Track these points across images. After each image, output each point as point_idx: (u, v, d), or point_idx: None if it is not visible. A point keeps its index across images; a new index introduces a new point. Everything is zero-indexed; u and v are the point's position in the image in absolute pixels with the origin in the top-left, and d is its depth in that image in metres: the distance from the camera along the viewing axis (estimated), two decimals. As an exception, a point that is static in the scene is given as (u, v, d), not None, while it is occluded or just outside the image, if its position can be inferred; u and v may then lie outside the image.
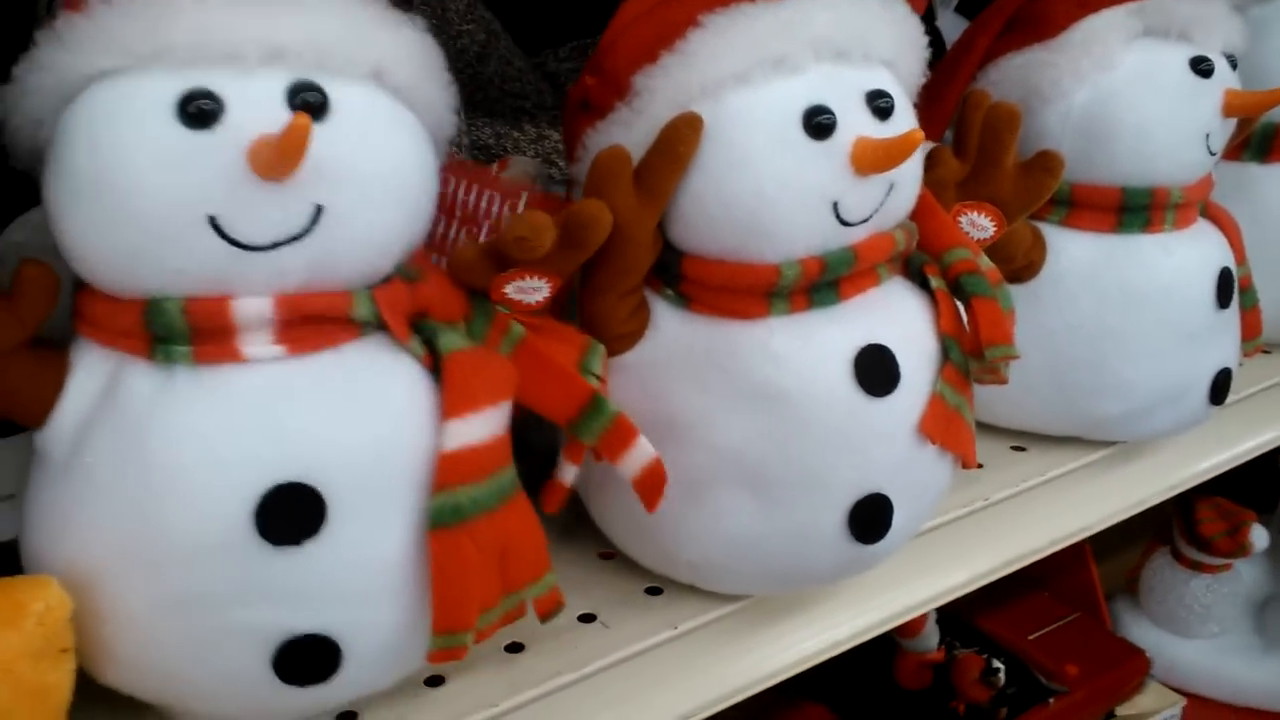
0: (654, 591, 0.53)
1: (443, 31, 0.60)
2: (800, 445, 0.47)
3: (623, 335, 0.48)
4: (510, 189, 0.49)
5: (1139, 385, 0.63)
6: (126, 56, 0.35)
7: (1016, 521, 0.63)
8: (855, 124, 0.45)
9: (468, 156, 0.60)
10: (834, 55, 0.45)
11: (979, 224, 0.54)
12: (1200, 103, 0.60)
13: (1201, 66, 0.60)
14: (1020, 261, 0.62)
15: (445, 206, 0.49)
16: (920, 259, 0.51)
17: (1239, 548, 1.17)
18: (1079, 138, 0.61)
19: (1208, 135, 0.61)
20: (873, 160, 0.44)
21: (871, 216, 0.47)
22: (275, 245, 0.36)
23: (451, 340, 0.41)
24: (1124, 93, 0.60)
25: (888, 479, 0.48)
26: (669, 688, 0.50)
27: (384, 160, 0.38)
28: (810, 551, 0.48)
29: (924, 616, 1.09)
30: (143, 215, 0.35)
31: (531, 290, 0.44)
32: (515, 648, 0.49)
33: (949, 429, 0.49)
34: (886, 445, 0.48)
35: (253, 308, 0.37)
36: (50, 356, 0.39)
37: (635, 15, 0.47)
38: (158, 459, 0.36)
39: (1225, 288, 0.63)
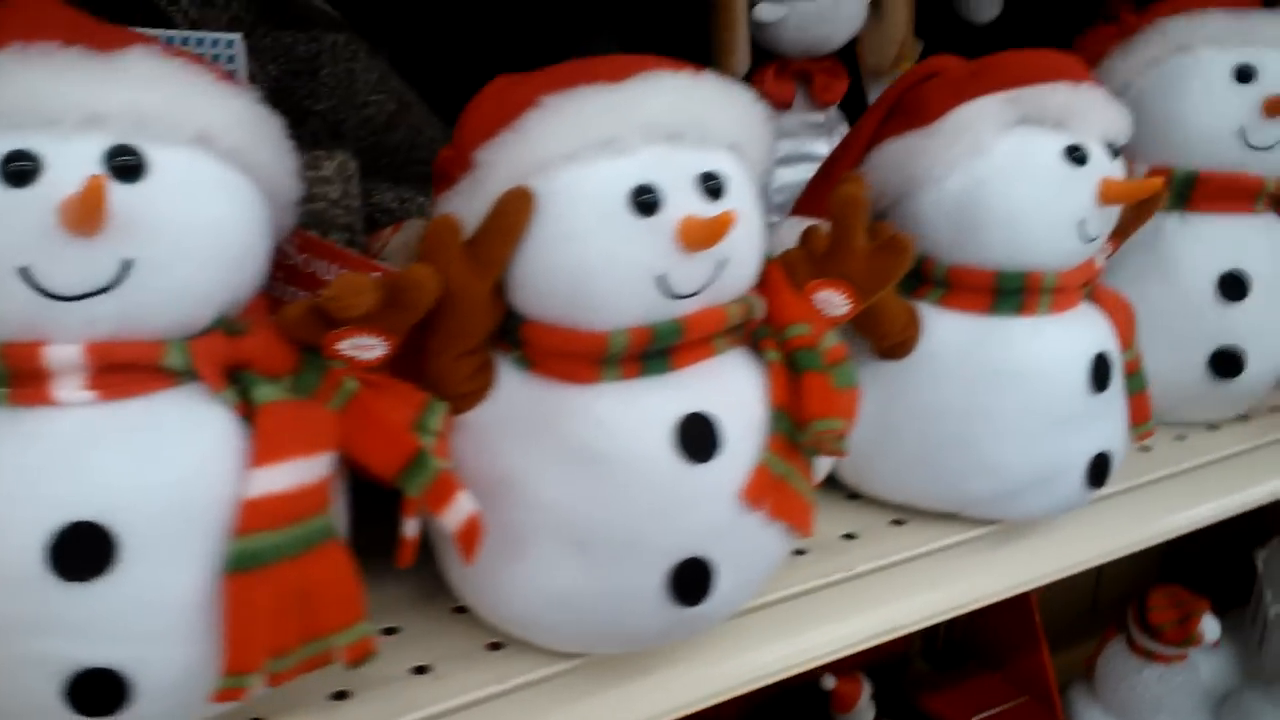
0: (495, 647, 0.54)
1: (349, 102, 0.64)
2: (620, 508, 0.48)
3: (464, 395, 0.50)
4: (345, 256, 0.52)
5: (1007, 466, 0.64)
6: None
7: (883, 593, 0.64)
8: (684, 203, 0.47)
9: (365, 218, 0.63)
10: (666, 138, 0.48)
11: (833, 301, 0.56)
12: (1073, 190, 0.62)
13: (1075, 155, 0.62)
14: (894, 339, 0.64)
15: (296, 278, 0.52)
16: (761, 333, 0.53)
17: (1188, 637, 1.17)
18: (953, 222, 0.63)
19: (1081, 222, 0.62)
20: (697, 238, 0.47)
21: (702, 290, 0.49)
22: (84, 296, 0.39)
23: (266, 393, 0.43)
24: (995, 180, 0.61)
25: (709, 543, 0.50)
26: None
27: (199, 219, 0.41)
28: (632, 611, 0.50)
29: (856, 689, 1.10)
30: None
31: (366, 348, 0.46)
32: (341, 695, 0.50)
33: (774, 497, 0.51)
34: (707, 510, 0.49)
35: (63, 354, 0.39)
36: None
37: (492, 93, 0.50)
38: None
39: (1101, 372, 0.64)
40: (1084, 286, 0.67)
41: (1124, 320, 0.68)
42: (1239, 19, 0.78)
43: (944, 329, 0.64)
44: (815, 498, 0.54)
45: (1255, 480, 0.81)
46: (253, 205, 0.44)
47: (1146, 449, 0.81)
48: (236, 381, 0.44)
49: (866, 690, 1.10)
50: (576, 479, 0.48)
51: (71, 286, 0.39)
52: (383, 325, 0.46)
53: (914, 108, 0.64)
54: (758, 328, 0.54)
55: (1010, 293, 0.63)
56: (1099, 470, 0.66)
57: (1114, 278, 0.80)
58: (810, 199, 0.69)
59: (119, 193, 0.38)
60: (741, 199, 0.50)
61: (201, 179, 0.42)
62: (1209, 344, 0.79)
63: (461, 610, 0.56)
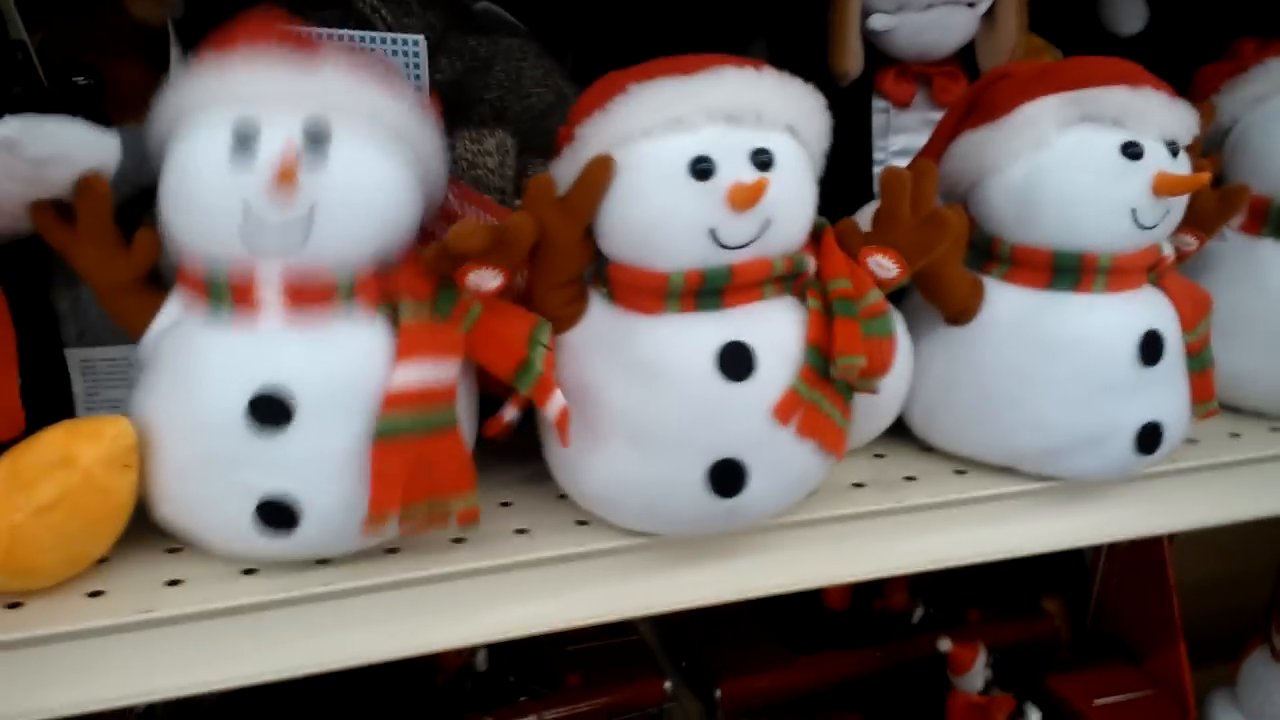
0: (582, 523, 0.68)
1: (514, 92, 0.79)
2: (670, 413, 0.61)
3: (560, 318, 0.64)
4: (493, 206, 0.67)
5: (1055, 425, 0.71)
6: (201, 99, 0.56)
7: (927, 528, 0.73)
8: (735, 171, 0.59)
9: (519, 186, 0.79)
10: (726, 119, 0.60)
11: (883, 265, 0.66)
12: (1127, 181, 0.69)
13: (1130, 150, 0.69)
14: (957, 307, 0.73)
15: (451, 217, 0.68)
16: (810, 285, 0.64)
17: (1325, 653, 1.15)
18: (1017, 205, 0.71)
19: (1134, 210, 0.69)
20: (741, 199, 0.59)
21: (750, 243, 0.61)
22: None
23: (408, 313, 0.59)
24: (1054, 168, 0.70)
25: (744, 449, 0.61)
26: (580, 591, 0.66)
27: (368, 181, 0.57)
28: (678, 498, 0.62)
29: (972, 653, 1.17)
30: (202, 209, 0.56)
31: (488, 279, 0.61)
32: (459, 540, 0.66)
33: (803, 417, 0.62)
34: (743, 421, 0.61)
35: (269, 279, 0.57)
36: (154, 294, 0.61)
37: (599, 83, 0.63)
38: (196, 366, 0.57)
39: (1151, 347, 0.70)
40: (1148, 271, 0.73)
41: (1189, 306, 0.74)
42: None
43: (1005, 300, 0.73)
44: (847, 425, 0.65)
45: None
46: (406, 176, 0.59)
47: (1236, 435, 0.85)
48: (389, 303, 0.59)
49: (982, 656, 1.16)
50: (639, 389, 0.62)
51: (276, 224, 0.56)
52: (498, 261, 0.60)
53: (987, 105, 0.73)
54: (809, 280, 0.65)
55: (1066, 270, 0.71)
56: (1149, 438, 0.72)
57: (1208, 279, 0.85)
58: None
59: (307, 158, 0.55)
60: (789, 171, 0.62)
61: (369, 154, 0.57)
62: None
63: (564, 497, 0.70)
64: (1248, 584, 1.38)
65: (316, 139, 0.56)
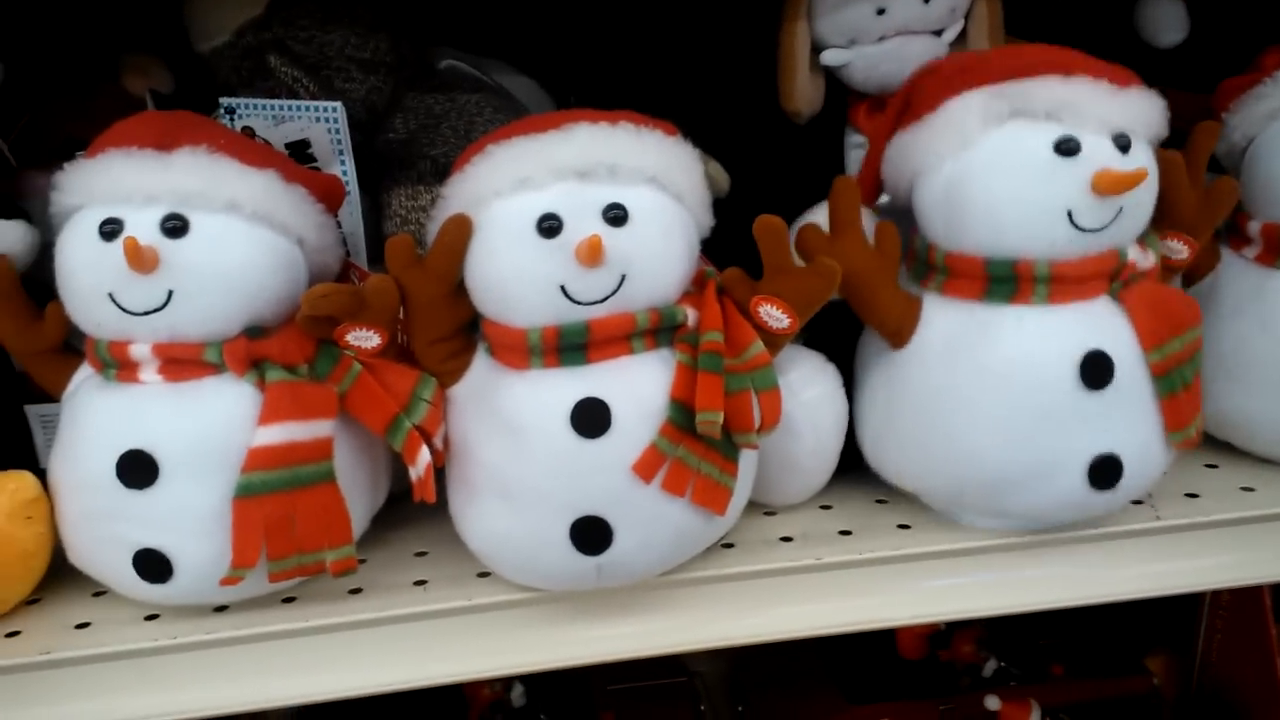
0: (484, 575, 0.69)
1: (459, 149, 0.81)
2: (531, 469, 0.61)
3: (441, 373, 0.65)
4: (364, 276, 0.70)
5: (990, 457, 0.65)
6: (79, 197, 0.61)
7: (852, 587, 0.69)
8: (585, 228, 0.59)
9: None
10: (576, 176, 0.60)
11: (774, 315, 0.64)
12: (1060, 181, 0.62)
13: (1065, 146, 0.62)
14: (888, 330, 0.69)
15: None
16: (685, 338, 0.63)
17: None
18: (944, 210, 0.66)
19: (1071, 212, 0.63)
20: (586, 256, 0.58)
21: (608, 298, 0.60)
22: (147, 313, 0.60)
23: (274, 375, 0.62)
24: (978, 170, 0.64)
25: (606, 506, 0.61)
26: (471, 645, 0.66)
27: (224, 264, 0.60)
28: (546, 554, 0.62)
29: (1024, 713, 1.10)
30: (78, 294, 0.61)
31: (365, 338, 0.63)
32: (355, 590, 0.68)
33: (668, 474, 0.60)
34: (601, 478, 0.60)
35: (140, 351, 0.61)
36: (69, 360, 0.67)
37: (474, 145, 0.65)
38: (82, 427, 0.62)
39: (1095, 370, 0.63)
40: (1107, 280, 0.65)
41: (1155, 321, 0.65)
42: None
43: (940, 318, 0.67)
44: (728, 480, 0.63)
45: None
46: (272, 252, 0.63)
47: (1250, 489, 0.76)
48: (256, 368, 0.62)
49: (1035, 715, 1.09)
50: (503, 444, 0.62)
51: (139, 306, 0.60)
52: (370, 321, 0.62)
53: (915, 102, 0.68)
54: (687, 333, 0.63)
55: (1000, 280, 0.65)
56: (1105, 473, 0.65)
57: (1217, 311, 0.77)
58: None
59: (167, 246, 0.59)
60: (649, 225, 0.61)
61: (228, 238, 0.61)
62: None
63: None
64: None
65: (174, 230, 0.60)
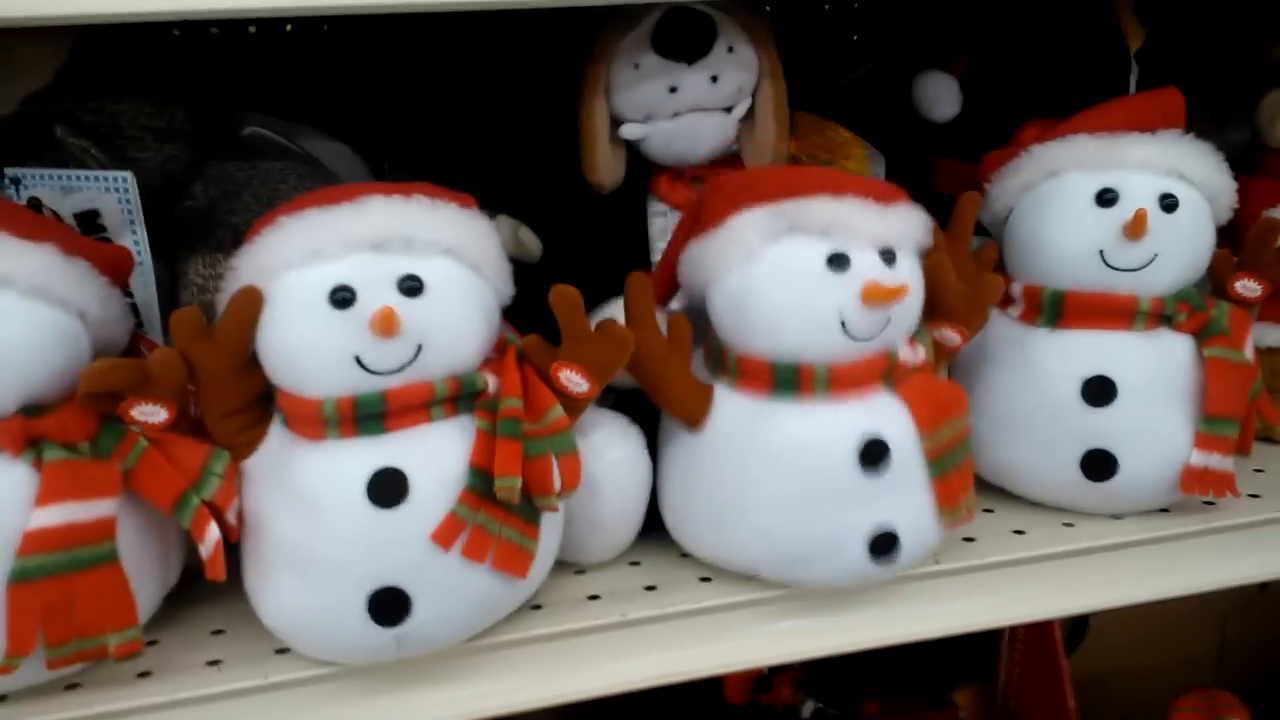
0: (282, 651, 0.67)
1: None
2: (323, 542, 0.61)
3: (234, 446, 0.64)
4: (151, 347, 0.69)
5: (779, 532, 0.70)
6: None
7: (684, 637, 0.71)
8: (379, 299, 0.60)
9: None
10: (370, 247, 0.61)
11: (574, 380, 0.66)
12: (832, 292, 0.67)
13: (836, 261, 0.67)
14: (681, 415, 0.72)
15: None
16: (485, 404, 0.64)
17: (1210, 744, 1.10)
18: (732, 317, 0.70)
19: (844, 321, 0.67)
20: (380, 327, 0.59)
21: (404, 368, 0.61)
22: None
23: (51, 455, 0.59)
24: (760, 282, 0.68)
25: (404, 577, 0.61)
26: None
27: None
28: (343, 628, 0.61)
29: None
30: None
31: (151, 413, 0.61)
32: (145, 674, 0.65)
33: (469, 541, 0.61)
34: (399, 548, 0.61)
35: None
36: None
37: (267, 216, 0.64)
38: None
39: (872, 454, 0.68)
40: (880, 376, 0.70)
41: (929, 409, 0.71)
42: (1105, 143, 0.80)
43: (730, 407, 0.72)
44: (531, 544, 0.64)
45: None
46: (50, 327, 0.61)
47: (1021, 533, 0.82)
48: (35, 446, 0.60)
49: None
50: (297, 517, 0.61)
51: None
52: (154, 395, 0.61)
53: (705, 215, 0.72)
54: (488, 400, 0.64)
55: (784, 380, 0.69)
56: (883, 545, 0.70)
57: (987, 369, 0.83)
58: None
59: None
60: (445, 295, 0.62)
61: (3, 312, 0.59)
62: (1078, 446, 0.80)
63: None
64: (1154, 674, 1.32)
65: None
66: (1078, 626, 1.34)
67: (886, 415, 0.70)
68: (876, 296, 0.67)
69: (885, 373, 0.70)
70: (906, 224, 0.71)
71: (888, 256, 0.69)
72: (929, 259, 0.73)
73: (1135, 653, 1.34)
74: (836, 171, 0.71)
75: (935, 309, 0.74)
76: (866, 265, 0.68)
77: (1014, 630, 1.27)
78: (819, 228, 0.68)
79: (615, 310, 0.75)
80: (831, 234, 0.68)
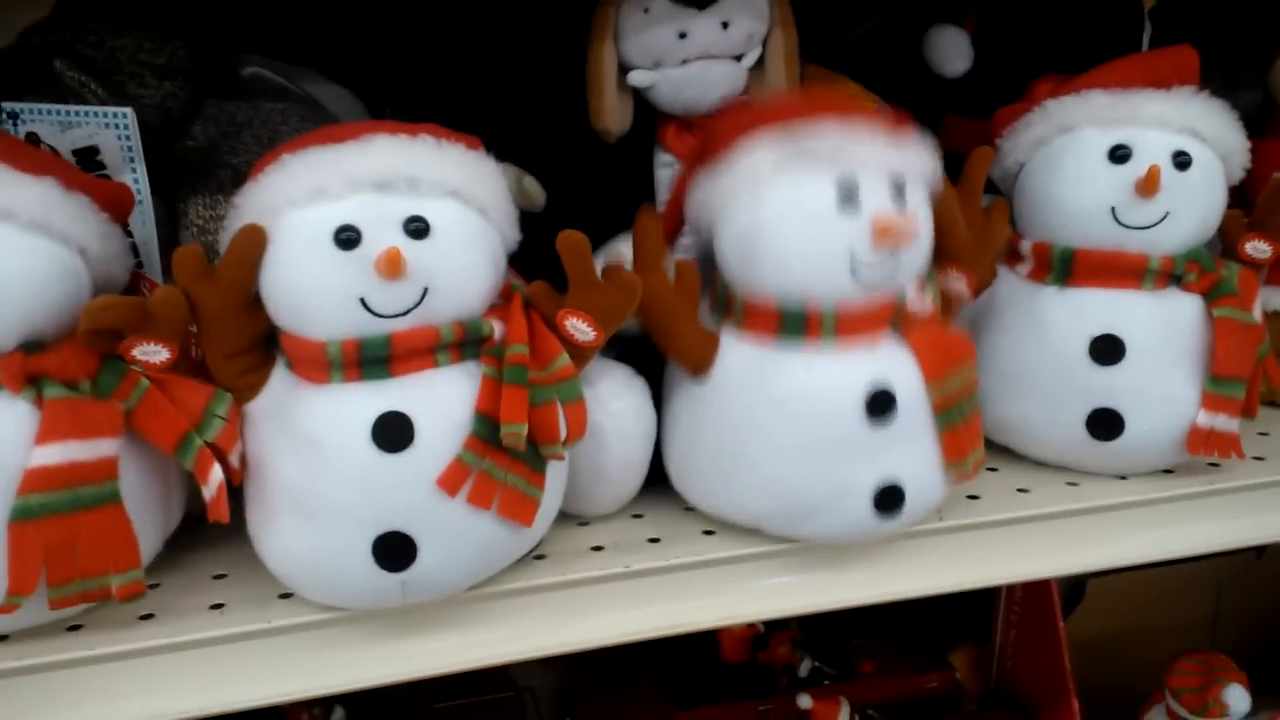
0: (286, 596, 0.67)
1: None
2: (331, 485, 0.60)
3: (237, 389, 0.63)
4: (153, 286, 0.68)
5: (782, 484, 0.69)
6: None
7: (660, 593, 0.71)
8: (385, 240, 0.59)
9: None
10: (375, 187, 0.60)
11: (579, 328, 0.65)
12: (842, 231, 0.65)
13: (846, 195, 0.65)
14: (688, 364, 0.71)
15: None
16: (492, 350, 0.63)
17: (1203, 706, 1.11)
18: (738, 256, 0.69)
19: (853, 260, 0.66)
20: (386, 268, 0.58)
21: (410, 311, 0.60)
22: None
23: (52, 392, 0.58)
24: (769, 219, 0.66)
25: (410, 522, 0.60)
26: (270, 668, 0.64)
27: None
28: (348, 572, 0.61)
29: (833, 710, 1.14)
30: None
31: (153, 353, 0.61)
32: (148, 616, 0.65)
33: (474, 487, 0.60)
34: (405, 493, 0.60)
35: None
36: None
37: (270, 154, 0.63)
38: None
39: (878, 404, 0.67)
40: (888, 321, 0.69)
41: (937, 358, 0.70)
42: (1119, 99, 0.79)
43: (737, 354, 0.70)
44: (536, 492, 0.63)
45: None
46: (49, 262, 0.59)
47: (1025, 491, 0.81)
48: (35, 384, 0.59)
49: (845, 712, 1.13)
50: (302, 461, 0.61)
51: None
52: (156, 334, 0.60)
53: (712, 143, 0.70)
54: (493, 346, 0.64)
55: (792, 323, 0.68)
56: (888, 500, 0.69)
57: (995, 326, 0.82)
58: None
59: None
60: (451, 238, 0.61)
61: (3, 245, 0.57)
62: (1085, 405, 0.79)
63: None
64: (1150, 639, 1.33)
65: None
66: (1074, 590, 1.34)
67: (894, 364, 0.69)
68: (888, 236, 0.65)
69: (894, 317, 0.69)
70: (915, 153, 0.68)
71: (898, 188, 0.67)
72: (938, 203, 0.71)
73: (1131, 617, 1.34)
74: (846, 97, 0.69)
75: (943, 251, 0.72)
76: (877, 200, 0.66)
77: (1011, 592, 1.27)
78: (828, 154, 0.66)
79: (623, 246, 0.74)
80: (841, 161, 0.66)
